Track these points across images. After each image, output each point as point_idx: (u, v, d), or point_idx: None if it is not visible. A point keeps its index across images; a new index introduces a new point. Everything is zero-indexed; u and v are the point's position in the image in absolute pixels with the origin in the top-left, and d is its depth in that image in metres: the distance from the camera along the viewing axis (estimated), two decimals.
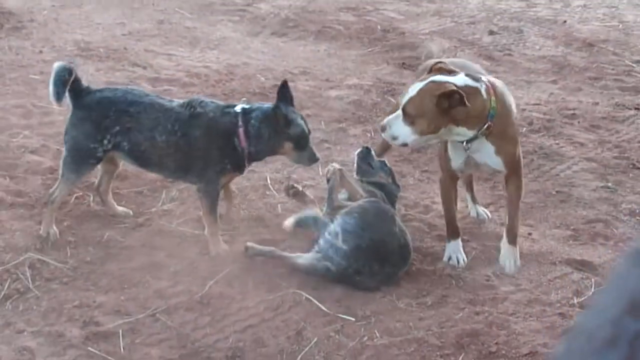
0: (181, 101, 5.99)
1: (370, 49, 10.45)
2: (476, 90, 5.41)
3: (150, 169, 6.11)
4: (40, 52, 9.59)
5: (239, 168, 5.92)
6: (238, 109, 5.81)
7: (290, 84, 8.80)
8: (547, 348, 4.97)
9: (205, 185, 5.84)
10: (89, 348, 4.86)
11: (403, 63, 9.93)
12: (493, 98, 5.43)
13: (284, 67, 9.57)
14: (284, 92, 5.87)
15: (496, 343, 5.01)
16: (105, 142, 5.85)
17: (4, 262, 5.66)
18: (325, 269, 5.50)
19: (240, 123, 5.74)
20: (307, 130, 5.82)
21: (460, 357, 4.88)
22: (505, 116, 5.57)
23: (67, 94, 5.91)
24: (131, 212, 6.31)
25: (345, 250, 5.43)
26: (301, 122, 5.80)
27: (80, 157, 5.94)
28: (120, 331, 5.02)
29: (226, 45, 10.35)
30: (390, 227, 5.60)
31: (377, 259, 5.48)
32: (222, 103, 6.01)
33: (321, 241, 5.55)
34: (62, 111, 7.84)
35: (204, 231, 5.93)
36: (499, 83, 5.76)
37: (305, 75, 9.35)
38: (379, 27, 11.18)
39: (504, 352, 4.95)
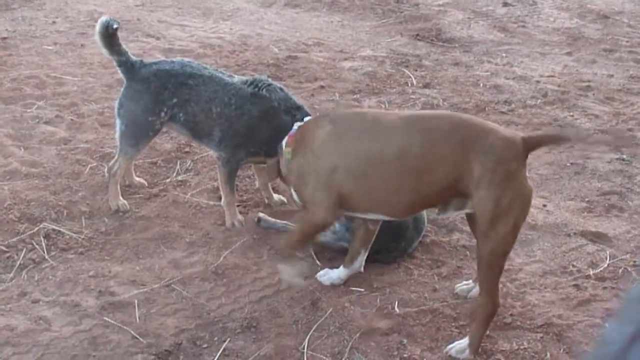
0: (244, 78, 5.93)
1: (384, 20, 10.42)
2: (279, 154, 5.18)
3: (200, 139, 6.01)
4: (54, 22, 9.59)
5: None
6: (307, 117, 5.60)
7: (304, 55, 8.88)
8: (562, 319, 4.96)
9: (229, 157, 5.82)
10: (105, 318, 4.88)
11: (417, 35, 9.91)
12: (288, 149, 5.00)
13: (298, 38, 9.55)
14: None
15: (511, 314, 5.00)
16: (163, 114, 5.84)
17: (19, 232, 5.68)
18: (342, 249, 5.49)
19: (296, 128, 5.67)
20: None
21: None
22: (302, 161, 4.89)
23: (118, 69, 5.94)
24: (146, 183, 6.32)
25: None
26: None
27: (139, 131, 5.93)
28: (136, 301, 5.03)
29: (239, 16, 10.34)
30: None
31: (394, 238, 5.46)
32: (294, 99, 5.84)
33: (337, 224, 5.50)
34: (76, 82, 7.88)
35: (220, 202, 5.93)
36: (313, 128, 4.91)
37: (319, 47, 9.33)
38: None
39: (518, 323, 4.94)
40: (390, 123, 4.65)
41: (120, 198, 6.05)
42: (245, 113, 5.73)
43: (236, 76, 6.00)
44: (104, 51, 5.89)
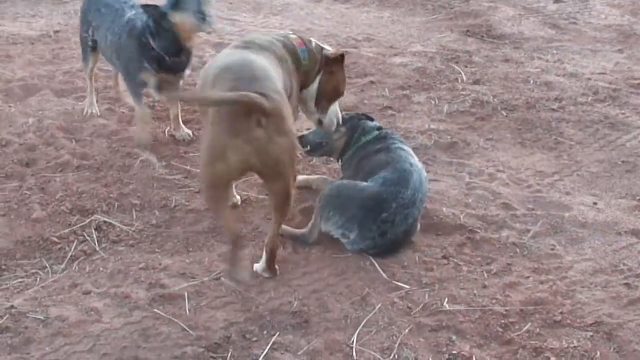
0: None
1: (434, 16, 10.39)
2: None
3: (111, 63, 7.04)
4: None
5: (163, 69, 6.37)
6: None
7: (354, 51, 8.87)
8: (613, 318, 4.93)
9: (130, 83, 6.68)
10: (155, 310, 4.91)
11: (467, 31, 9.86)
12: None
13: (348, 34, 9.54)
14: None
15: (561, 312, 4.98)
16: (90, 32, 6.96)
17: (71, 224, 5.74)
18: None
19: (149, 24, 6.33)
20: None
21: (525, 326, 4.86)
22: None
23: None
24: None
25: None
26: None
27: (83, 44, 7.16)
28: (186, 294, 5.06)
29: (290, 11, 10.35)
30: None
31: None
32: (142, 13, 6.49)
33: None
34: None
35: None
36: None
37: (369, 42, 9.32)
38: None
39: (568, 321, 4.91)
40: None
41: (95, 104, 7.31)
42: (122, 37, 6.51)
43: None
44: None
